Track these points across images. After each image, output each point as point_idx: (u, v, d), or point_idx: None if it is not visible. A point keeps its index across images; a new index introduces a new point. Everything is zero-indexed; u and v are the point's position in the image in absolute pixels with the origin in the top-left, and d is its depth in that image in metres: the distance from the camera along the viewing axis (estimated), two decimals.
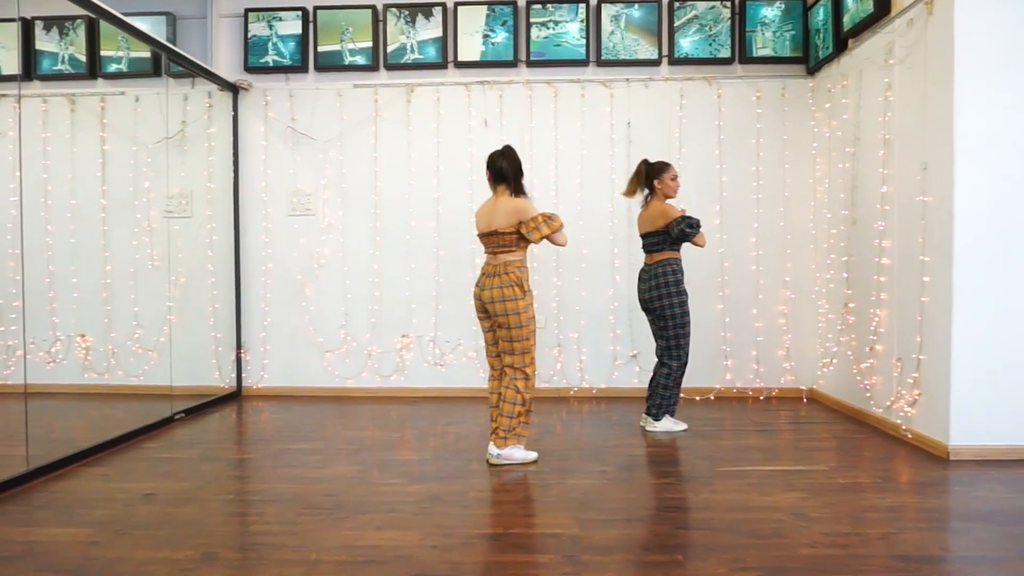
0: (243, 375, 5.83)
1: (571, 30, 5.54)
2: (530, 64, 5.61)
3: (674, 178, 4.38)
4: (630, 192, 4.44)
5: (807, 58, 5.50)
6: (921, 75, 4.01)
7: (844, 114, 4.94)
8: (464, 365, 5.68)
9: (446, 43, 5.63)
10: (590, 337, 5.62)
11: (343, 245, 5.71)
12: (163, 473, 3.63)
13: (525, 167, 5.59)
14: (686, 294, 4.37)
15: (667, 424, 4.45)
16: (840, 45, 4.97)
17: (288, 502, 3.17)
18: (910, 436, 4.10)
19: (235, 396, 5.76)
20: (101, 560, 2.56)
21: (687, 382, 4.92)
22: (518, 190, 3.74)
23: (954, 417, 3.75)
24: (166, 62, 5.24)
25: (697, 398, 5.45)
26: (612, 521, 2.92)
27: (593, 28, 5.58)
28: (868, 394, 4.59)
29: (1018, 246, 3.73)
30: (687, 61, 5.57)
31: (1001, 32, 3.72)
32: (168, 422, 4.80)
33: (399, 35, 5.64)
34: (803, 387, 5.54)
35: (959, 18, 3.71)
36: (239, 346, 5.79)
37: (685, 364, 4.40)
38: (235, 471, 3.70)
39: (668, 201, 4.39)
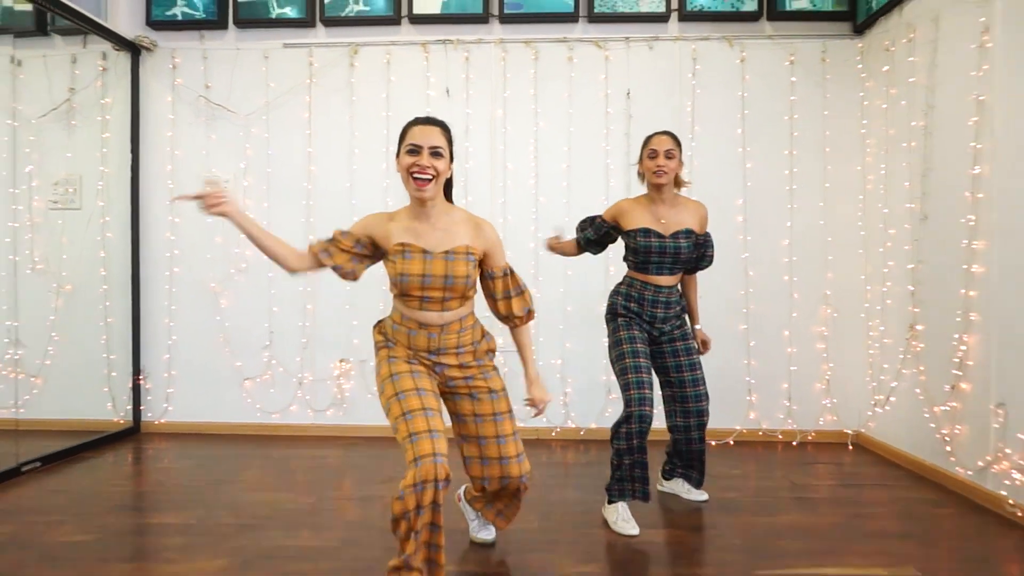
0: (142, 407, 4.64)
1: None
2: (504, 19, 4.45)
3: (651, 155, 2.99)
4: None
5: (855, 13, 4.34)
6: None
7: (911, 76, 3.76)
8: None
9: None
10: (576, 364, 4.42)
11: None
12: None
13: (498, 147, 4.48)
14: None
15: (608, 515, 3.01)
16: None
17: None
18: (1020, 515, 2.91)
19: (132, 432, 4.58)
20: None
21: None
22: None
23: None
24: (50, 16, 4.10)
25: (713, 443, 4.26)
26: None
27: None
28: (948, 448, 3.40)
29: None
30: (703, 16, 4.41)
31: None
32: (14, 474, 3.61)
33: None
34: (848, 430, 4.35)
35: None
36: (137, 371, 4.61)
37: (624, 418, 2.91)
38: (42, 569, 2.50)
39: (648, 189, 3.06)
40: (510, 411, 2.43)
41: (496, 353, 2.52)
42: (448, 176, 2.29)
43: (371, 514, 3.04)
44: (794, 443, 4.35)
